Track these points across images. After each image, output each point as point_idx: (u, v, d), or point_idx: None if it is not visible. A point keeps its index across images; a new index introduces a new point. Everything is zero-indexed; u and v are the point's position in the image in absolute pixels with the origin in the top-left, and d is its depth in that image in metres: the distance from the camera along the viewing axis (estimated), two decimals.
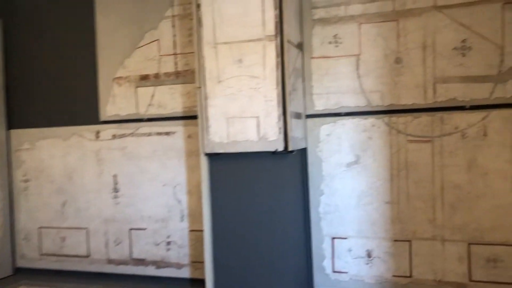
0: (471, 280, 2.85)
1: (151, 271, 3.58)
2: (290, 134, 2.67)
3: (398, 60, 2.95)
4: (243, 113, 2.74)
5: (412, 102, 2.93)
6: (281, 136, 2.67)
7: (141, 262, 3.61)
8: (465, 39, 2.83)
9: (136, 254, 3.62)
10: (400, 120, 2.96)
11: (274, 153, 2.71)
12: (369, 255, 3.02)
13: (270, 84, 2.68)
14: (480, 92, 2.81)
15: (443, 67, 2.87)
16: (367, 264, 3.02)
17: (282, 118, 2.67)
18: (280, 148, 2.67)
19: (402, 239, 2.97)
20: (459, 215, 2.86)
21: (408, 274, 2.96)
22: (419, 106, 2.92)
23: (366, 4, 3.01)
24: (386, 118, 2.98)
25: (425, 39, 2.90)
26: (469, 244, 2.85)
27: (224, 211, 2.87)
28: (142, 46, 3.53)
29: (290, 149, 2.67)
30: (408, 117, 2.94)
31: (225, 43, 2.76)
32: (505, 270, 2.79)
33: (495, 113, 2.79)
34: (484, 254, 2.83)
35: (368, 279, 3.02)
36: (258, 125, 2.70)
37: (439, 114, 2.89)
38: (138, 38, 3.55)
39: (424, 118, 2.91)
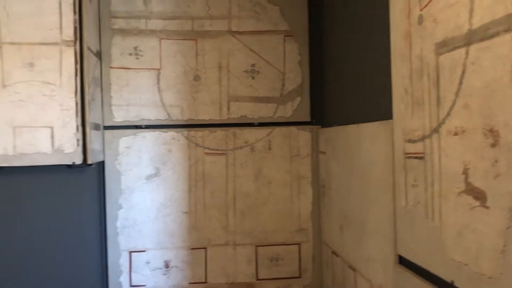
0: (257, 279, 3.18)
1: None
2: (89, 146, 2.54)
3: (196, 78, 3.12)
4: (34, 123, 2.48)
5: (209, 118, 3.13)
6: (80, 148, 2.52)
7: None
8: (254, 64, 3.18)
9: None
10: (198, 134, 3.12)
11: (71, 166, 2.54)
12: (167, 265, 3.07)
13: (67, 92, 2.50)
14: (266, 111, 3.19)
15: (236, 87, 3.16)
16: (165, 274, 3.07)
17: (80, 129, 2.52)
18: (79, 161, 2.52)
19: (198, 246, 3.12)
20: (248, 221, 3.17)
21: (203, 280, 3.12)
22: (215, 122, 3.14)
23: (166, 21, 3.09)
24: (185, 132, 3.11)
25: (221, 60, 3.15)
26: (256, 246, 3.19)
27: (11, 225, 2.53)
28: None
29: (89, 162, 2.53)
30: (205, 132, 3.13)
31: (13, 43, 2.47)
32: (284, 266, 3.21)
33: (277, 130, 3.21)
34: (268, 255, 3.20)
35: None
36: (52, 136, 2.49)
37: (232, 130, 3.16)
38: None
39: (219, 132, 3.15)
